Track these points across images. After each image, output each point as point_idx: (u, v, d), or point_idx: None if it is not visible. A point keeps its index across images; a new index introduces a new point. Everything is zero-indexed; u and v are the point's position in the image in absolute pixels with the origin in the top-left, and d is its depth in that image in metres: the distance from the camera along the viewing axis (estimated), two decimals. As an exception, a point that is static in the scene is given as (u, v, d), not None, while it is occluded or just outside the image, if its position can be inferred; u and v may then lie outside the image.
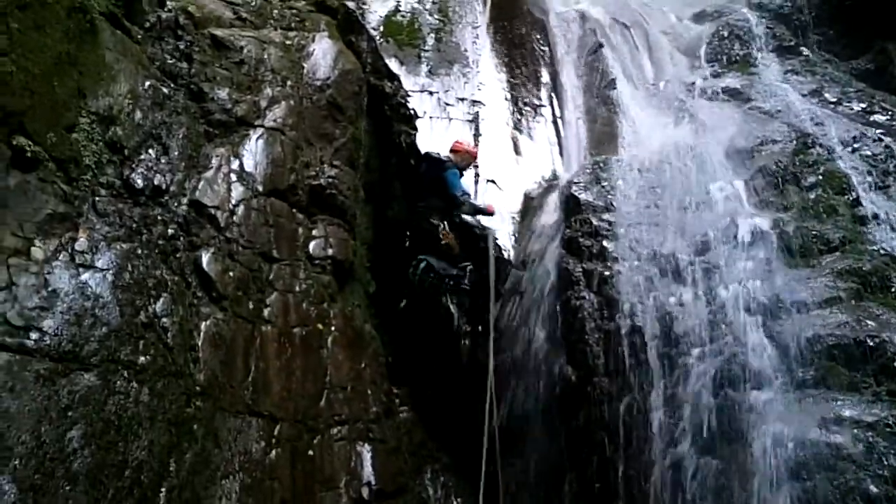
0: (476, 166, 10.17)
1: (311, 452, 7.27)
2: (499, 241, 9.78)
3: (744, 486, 6.48)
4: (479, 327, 9.50)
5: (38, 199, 5.52)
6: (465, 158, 9.79)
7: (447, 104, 10.97)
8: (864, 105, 10.84)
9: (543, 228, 9.90)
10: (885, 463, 5.88)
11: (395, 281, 9.34)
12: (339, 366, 8.12)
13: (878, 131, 9.62)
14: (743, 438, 6.73)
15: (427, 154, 9.70)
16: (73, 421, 5.09)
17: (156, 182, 6.79)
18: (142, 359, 5.82)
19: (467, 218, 9.60)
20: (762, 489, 6.37)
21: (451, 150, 9.76)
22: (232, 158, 7.80)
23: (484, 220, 9.71)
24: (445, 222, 9.24)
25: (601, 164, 10.29)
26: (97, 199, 6.08)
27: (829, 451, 6.18)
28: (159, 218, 6.71)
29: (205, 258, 6.99)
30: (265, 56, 8.86)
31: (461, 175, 9.52)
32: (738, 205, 8.97)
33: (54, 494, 4.82)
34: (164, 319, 6.25)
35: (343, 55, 10.05)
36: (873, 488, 5.79)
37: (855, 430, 6.22)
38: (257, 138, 8.17)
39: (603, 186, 9.79)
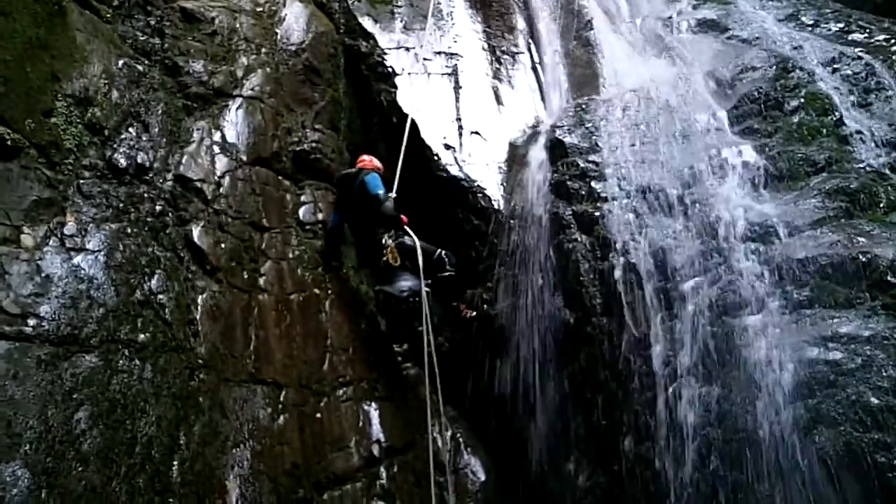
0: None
1: (318, 415, 7.33)
2: (487, 193, 9.77)
3: (748, 411, 6.54)
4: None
5: (23, 186, 5.52)
6: (374, 169, 9.09)
7: (425, 59, 10.92)
8: (841, 25, 10.82)
9: (531, 175, 9.86)
10: (884, 374, 5.93)
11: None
12: (339, 328, 8.16)
13: (856, 50, 9.63)
14: (743, 363, 6.79)
15: (338, 178, 9.00)
16: (78, 403, 5.13)
17: (139, 160, 6.78)
18: (141, 336, 5.86)
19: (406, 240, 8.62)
20: (766, 411, 6.44)
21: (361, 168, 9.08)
22: (213, 130, 7.78)
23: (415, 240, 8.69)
24: (389, 238, 8.52)
25: (584, 106, 10.30)
26: (82, 181, 6.08)
27: (828, 368, 6.24)
28: (146, 195, 6.70)
29: (195, 232, 6.99)
30: (237, 25, 8.80)
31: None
32: (723, 134, 8.99)
33: (67, 476, 4.86)
34: (161, 296, 6.27)
35: (315, 18, 9.96)
36: (874, 400, 5.85)
37: (853, 346, 6.27)
38: (237, 108, 8.15)
39: (587, 128, 9.79)
